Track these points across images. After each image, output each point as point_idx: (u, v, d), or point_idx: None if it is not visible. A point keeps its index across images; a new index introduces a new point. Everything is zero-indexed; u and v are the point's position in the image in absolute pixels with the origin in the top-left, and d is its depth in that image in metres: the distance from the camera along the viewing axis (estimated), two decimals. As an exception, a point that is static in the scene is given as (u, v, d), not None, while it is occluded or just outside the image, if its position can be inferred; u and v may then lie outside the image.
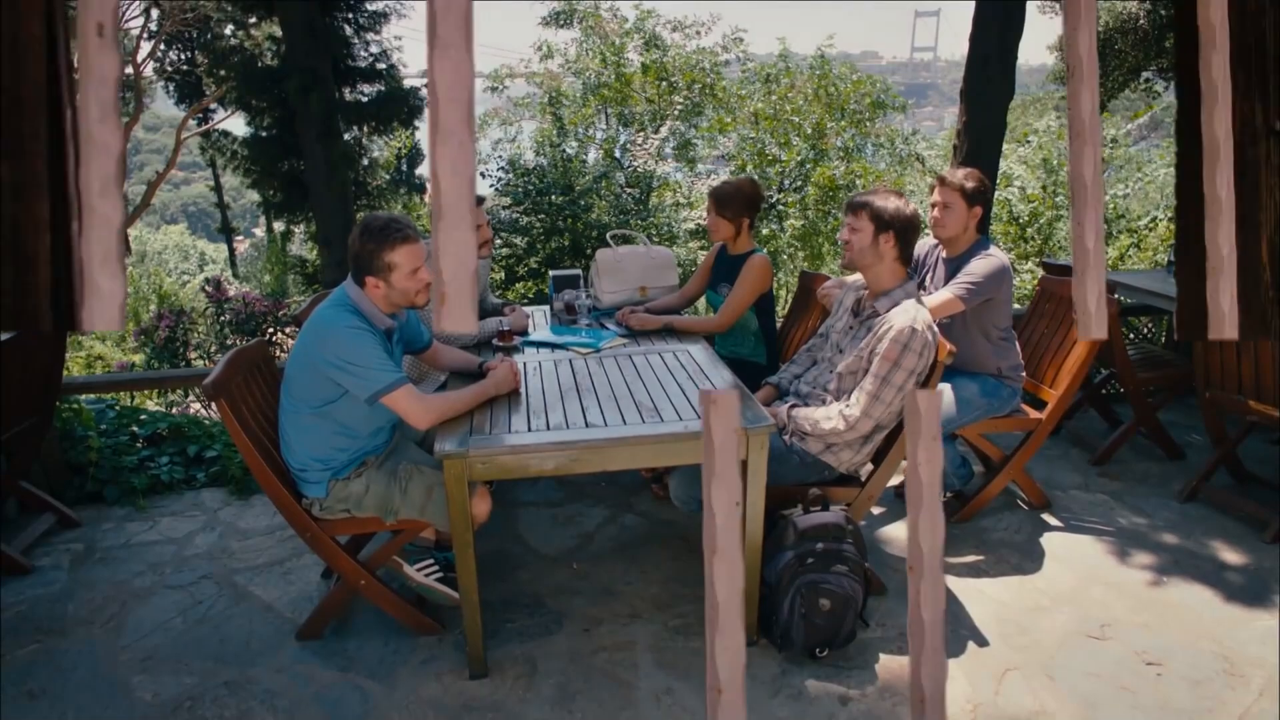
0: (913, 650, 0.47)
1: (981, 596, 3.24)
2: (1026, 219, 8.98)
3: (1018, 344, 3.73)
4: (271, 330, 6.38)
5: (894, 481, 3.86)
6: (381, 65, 10.22)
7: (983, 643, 2.96)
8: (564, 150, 9.31)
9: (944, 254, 3.71)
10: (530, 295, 7.44)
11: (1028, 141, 9.93)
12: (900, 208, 2.95)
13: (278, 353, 6.21)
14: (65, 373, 4.21)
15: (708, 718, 0.42)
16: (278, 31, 9.65)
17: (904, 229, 2.95)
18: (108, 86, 0.38)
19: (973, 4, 5.82)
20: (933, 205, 3.63)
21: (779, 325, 4.43)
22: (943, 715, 0.43)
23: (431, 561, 3.11)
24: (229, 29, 12.66)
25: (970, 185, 3.55)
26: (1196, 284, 0.55)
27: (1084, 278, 0.51)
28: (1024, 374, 3.75)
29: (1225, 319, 0.51)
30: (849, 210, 3.06)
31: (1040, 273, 5.26)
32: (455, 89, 0.39)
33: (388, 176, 12.66)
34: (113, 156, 0.38)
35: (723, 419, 0.42)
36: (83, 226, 0.38)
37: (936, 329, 2.97)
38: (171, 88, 18.28)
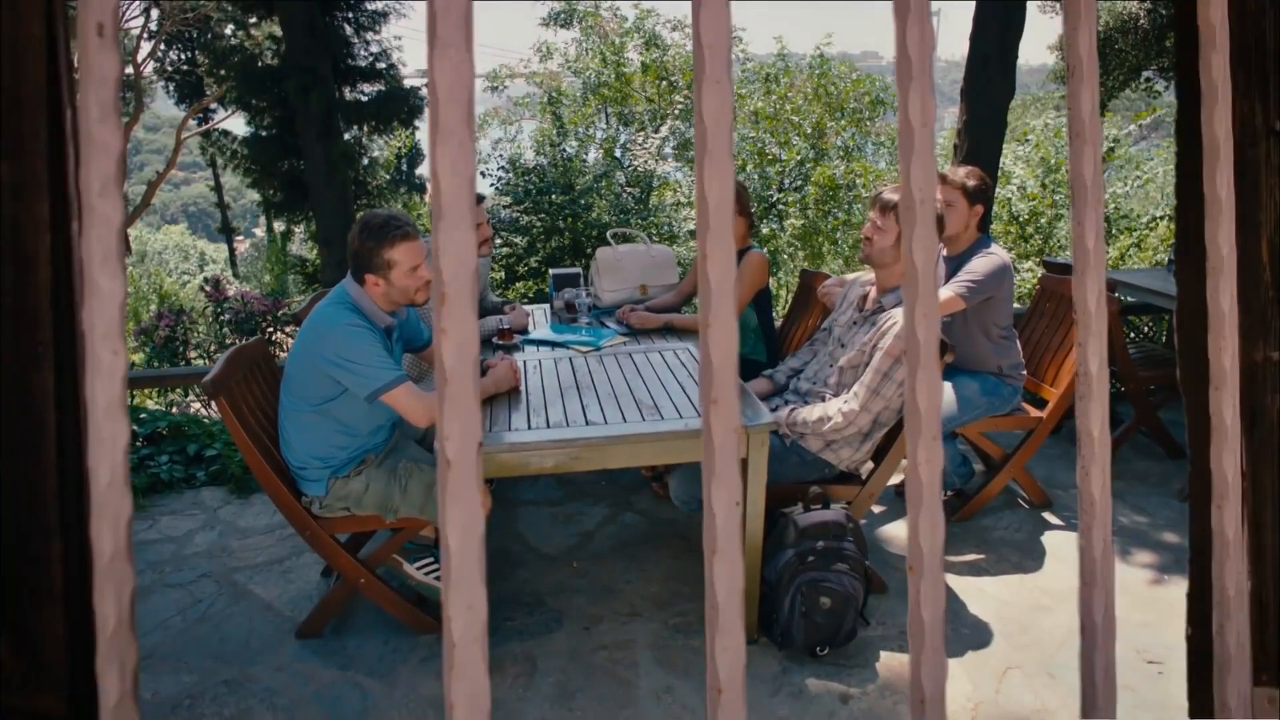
0: (912, 650, 0.47)
1: (982, 595, 3.24)
2: (1026, 218, 8.98)
3: (1018, 342, 3.73)
4: (270, 330, 6.37)
5: (895, 480, 3.86)
6: (381, 65, 10.24)
7: (984, 641, 2.96)
8: (564, 150, 9.31)
9: (944, 252, 3.71)
10: (530, 294, 7.44)
11: (1026, 140, 9.92)
12: None
13: (277, 352, 6.21)
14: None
15: (708, 717, 0.42)
16: (278, 31, 9.66)
17: None
18: (108, 87, 0.38)
19: (973, 4, 5.82)
20: None
21: (779, 324, 4.43)
22: (942, 715, 0.43)
23: (431, 560, 3.11)
24: (229, 29, 12.66)
25: (972, 184, 3.55)
26: (1196, 284, 0.54)
27: (1084, 277, 0.51)
28: (1024, 372, 3.75)
29: (1225, 319, 0.51)
30: (879, 208, 3.06)
31: (1040, 272, 5.26)
32: (455, 89, 0.39)
33: (388, 176, 12.67)
34: (113, 157, 0.38)
35: (723, 419, 0.42)
36: (83, 226, 0.38)
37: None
38: (171, 88, 18.25)
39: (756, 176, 10.82)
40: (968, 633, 3.00)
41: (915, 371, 0.45)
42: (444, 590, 0.42)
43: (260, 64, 10.10)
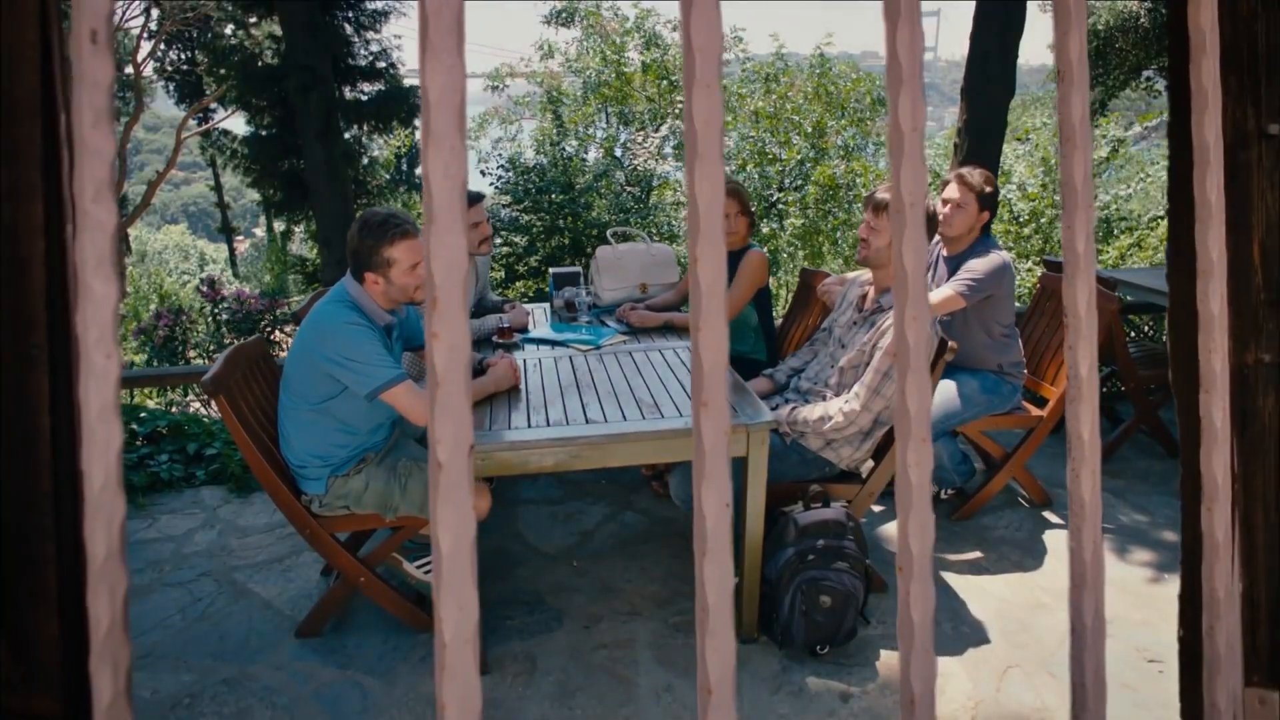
0: (902, 650, 0.47)
1: (983, 594, 3.24)
2: (1026, 218, 8.99)
3: (1020, 341, 3.73)
4: (269, 329, 6.37)
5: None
6: (381, 64, 10.24)
7: (984, 640, 2.96)
8: (564, 149, 9.31)
9: (944, 252, 3.71)
10: (530, 294, 7.45)
11: (1026, 139, 9.92)
12: None
13: (276, 351, 6.21)
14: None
15: (699, 717, 0.43)
16: (278, 30, 9.65)
17: None
18: (101, 93, 0.38)
19: (973, 3, 5.82)
20: (945, 202, 3.61)
21: (779, 323, 4.44)
22: (932, 715, 0.43)
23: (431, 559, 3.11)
24: (229, 28, 12.65)
25: (988, 190, 3.57)
26: (1188, 287, 0.55)
27: (1074, 280, 0.51)
28: (1025, 371, 3.75)
29: (1215, 322, 0.51)
30: (872, 209, 3.07)
31: (1041, 271, 5.26)
32: (447, 94, 0.40)
33: (387, 175, 12.67)
34: (106, 162, 0.39)
35: (713, 422, 0.42)
36: (76, 231, 0.38)
37: (939, 327, 2.98)
38: (171, 87, 18.26)
39: (756, 176, 10.82)
40: (968, 631, 3.01)
41: (905, 374, 0.45)
42: (435, 591, 0.42)
43: (260, 63, 10.10)
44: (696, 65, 0.42)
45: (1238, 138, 0.58)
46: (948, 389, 3.56)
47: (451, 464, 0.41)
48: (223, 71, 11.29)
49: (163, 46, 17.45)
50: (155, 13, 16.08)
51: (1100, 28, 10.40)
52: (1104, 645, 0.50)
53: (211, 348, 6.20)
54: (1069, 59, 0.49)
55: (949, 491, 3.93)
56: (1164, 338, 5.80)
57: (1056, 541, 3.63)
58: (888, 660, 2.83)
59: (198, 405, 5.67)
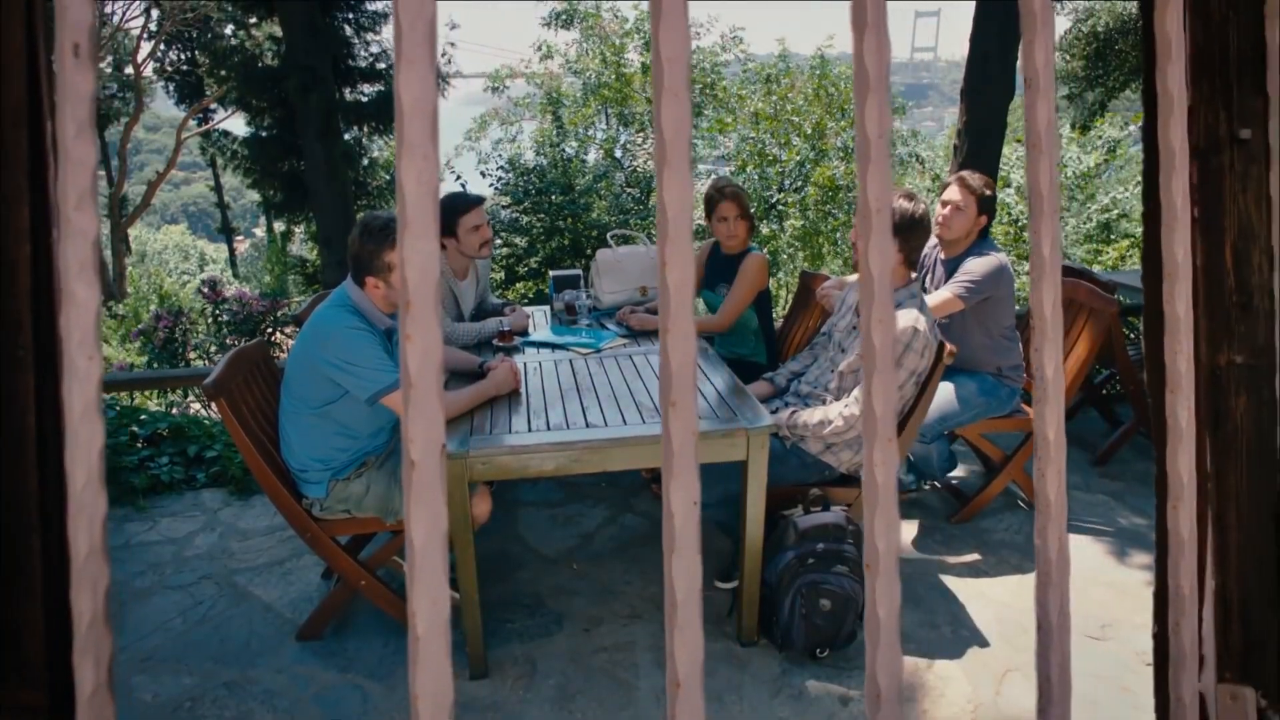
0: (869, 647, 0.48)
1: (982, 597, 3.24)
2: (1025, 222, 9.00)
3: (1020, 344, 3.73)
4: (270, 330, 6.38)
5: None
6: (381, 65, 10.26)
7: (983, 643, 2.96)
8: (563, 150, 9.33)
9: (942, 255, 3.72)
10: (530, 295, 7.46)
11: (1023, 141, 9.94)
12: (911, 211, 2.95)
13: (276, 353, 6.21)
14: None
15: (667, 712, 0.43)
16: (278, 31, 9.68)
17: (912, 233, 2.96)
18: (83, 104, 0.39)
19: (973, 3, 5.83)
20: (944, 204, 3.61)
21: (779, 325, 4.44)
22: (898, 711, 0.44)
23: (430, 561, 3.12)
24: (229, 29, 12.69)
25: (988, 194, 3.58)
26: (1159, 288, 0.56)
27: (1040, 284, 0.52)
28: (1024, 374, 3.75)
29: (1180, 323, 0.52)
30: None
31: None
32: (420, 103, 0.41)
33: (388, 176, 12.69)
34: (88, 171, 0.40)
35: (681, 421, 0.43)
36: (60, 236, 0.40)
37: (938, 330, 2.99)
38: (171, 88, 18.31)
39: (756, 177, 10.83)
40: (967, 634, 3.01)
41: (871, 376, 0.46)
42: (409, 586, 0.43)
43: (260, 64, 10.13)
44: (665, 74, 0.43)
45: (1210, 142, 0.59)
46: (945, 391, 3.55)
47: (424, 463, 0.42)
48: (223, 72, 11.32)
49: (163, 47, 17.50)
50: (155, 13, 16.13)
51: (1100, 30, 10.42)
52: (1069, 641, 0.51)
53: (212, 349, 6.21)
54: (1035, 66, 0.50)
55: (927, 485, 3.94)
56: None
57: (1055, 543, 3.63)
58: (885, 661, 2.84)
59: (198, 407, 5.68)
